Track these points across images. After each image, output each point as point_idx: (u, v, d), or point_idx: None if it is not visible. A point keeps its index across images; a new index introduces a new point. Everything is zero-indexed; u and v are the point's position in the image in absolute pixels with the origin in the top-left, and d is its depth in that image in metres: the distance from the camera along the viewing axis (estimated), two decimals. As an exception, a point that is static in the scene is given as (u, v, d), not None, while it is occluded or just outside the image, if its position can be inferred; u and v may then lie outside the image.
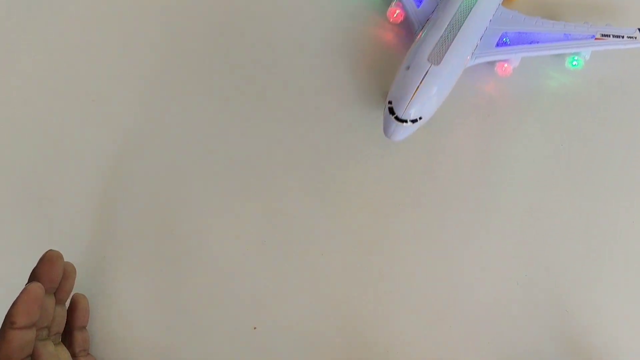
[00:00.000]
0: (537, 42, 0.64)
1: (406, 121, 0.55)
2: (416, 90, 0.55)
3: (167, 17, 0.71)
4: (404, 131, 0.57)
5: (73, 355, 0.54)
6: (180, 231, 0.62)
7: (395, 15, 0.67)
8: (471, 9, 0.60)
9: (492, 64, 0.65)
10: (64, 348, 0.54)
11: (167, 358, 0.58)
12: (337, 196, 0.63)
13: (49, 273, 0.51)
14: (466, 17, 0.60)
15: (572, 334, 0.59)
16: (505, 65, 0.64)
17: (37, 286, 0.47)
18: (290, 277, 0.60)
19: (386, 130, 0.57)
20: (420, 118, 0.56)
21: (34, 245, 0.57)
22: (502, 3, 0.65)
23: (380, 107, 0.61)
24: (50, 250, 0.52)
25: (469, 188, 0.64)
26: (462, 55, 0.59)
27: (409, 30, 0.67)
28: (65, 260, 0.53)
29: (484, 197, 0.63)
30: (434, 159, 0.64)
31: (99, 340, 0.59)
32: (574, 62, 0.65)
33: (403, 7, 0.66)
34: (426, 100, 0.56)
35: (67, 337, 0.56)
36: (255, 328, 0.59)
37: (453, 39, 0.58)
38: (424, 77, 0.55)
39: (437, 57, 0.56)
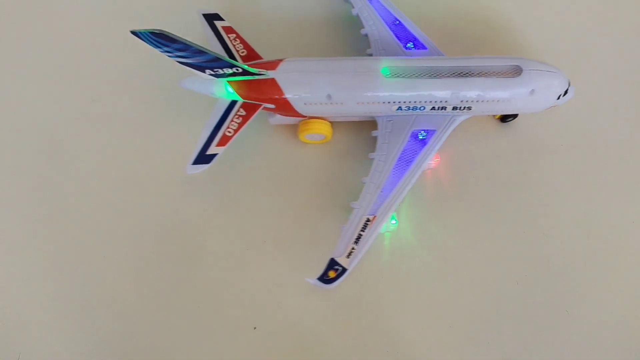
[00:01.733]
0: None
1: None
2: None
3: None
4: None
5: None
6: (180, 231, 0.62)
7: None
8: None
9: None
10: None
11: (168, 358, 0.58)
12: (336, 196, 0.63)
13: None
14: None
15: (572, 334, 0.59)
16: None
17: None
18: (290, 277, 0.60)
19: None
20: None
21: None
22: None
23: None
24: None
25: (469, 189, 0.64)
26: None
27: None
28: None
29: (485, 198, 0.64)
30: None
31: (101, 342, 0.59)
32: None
33: None
34: None
35: None
36: (255, 328, 0.59)
37: None
38: None
39: None
